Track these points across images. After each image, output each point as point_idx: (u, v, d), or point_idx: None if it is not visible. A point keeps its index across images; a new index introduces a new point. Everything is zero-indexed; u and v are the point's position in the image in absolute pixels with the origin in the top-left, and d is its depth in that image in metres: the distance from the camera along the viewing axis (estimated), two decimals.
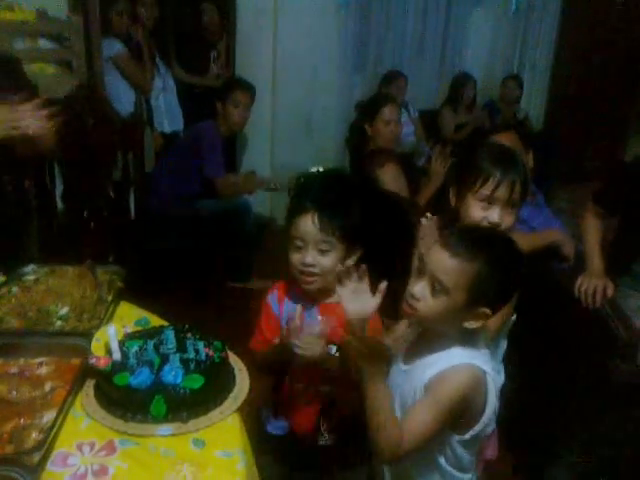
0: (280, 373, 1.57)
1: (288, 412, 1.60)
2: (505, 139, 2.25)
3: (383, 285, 1.23)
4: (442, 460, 1.31)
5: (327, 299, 1.52)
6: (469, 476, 1.36)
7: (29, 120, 1.82)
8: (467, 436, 1.26)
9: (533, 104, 5.33)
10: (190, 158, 3.36)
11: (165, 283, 2.91)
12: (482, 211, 1.56)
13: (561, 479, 2.06)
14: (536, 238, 2.35)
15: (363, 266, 1.25)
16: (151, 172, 3.49)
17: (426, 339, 1.31)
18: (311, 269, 1.46)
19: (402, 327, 1.42)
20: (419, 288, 1.23)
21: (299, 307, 1.44)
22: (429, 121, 4.70)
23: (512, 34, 5.15)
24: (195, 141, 3.41)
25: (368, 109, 3.17)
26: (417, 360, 1.30)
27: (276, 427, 1.63)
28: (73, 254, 2.29)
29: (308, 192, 1.49)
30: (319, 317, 1.48)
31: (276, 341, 1.51)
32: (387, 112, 3.05)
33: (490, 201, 1.55)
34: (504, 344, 1.76)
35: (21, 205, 2.42)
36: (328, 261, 1.45)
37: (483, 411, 1.25)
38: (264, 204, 4.18)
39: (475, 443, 1.31)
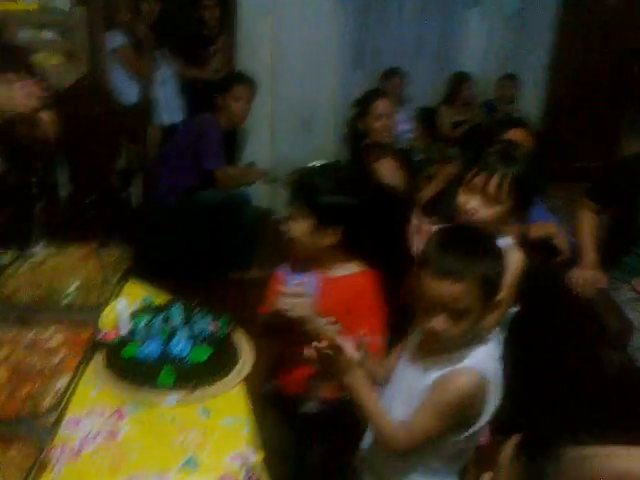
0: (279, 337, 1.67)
1: (278, 373, 1.70)
2: (516, 135, 2.28)
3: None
4: (432, 460, 1.32)
5: (327, 272, 1.67)
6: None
7: (20, 97, 1.81)
8: (461, 437, 1.28)
9: (530, 104, 5.38)
10: (190, 150, 3.37)
11: (165, 274, 2.92)
12: (464, 196, 1.62)
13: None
14: (531, 229, 2.40)
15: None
16: (151, 164, 3.51)
17: (432, 340, 1.30)
18: (286, 233, 1.66)
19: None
20: (440, 321, 1.22)
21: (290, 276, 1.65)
22: (427, 119, 4.74)
23: (509, 35, 5.17)
24: (194, 133, 3.41)
25: (361, 104, 3.20)
26: (425, 358, 1.31)
27: (264, 387, 1.71)
28: (76, 242, 2.32)
29: None
30: (302, 279, 1.63)
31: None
32: (379, 106, 3.02)
33: (471, 187, 1.60)
34: (502, 335, 1.78)
35: (25, 192, 2.45)
36: (296, 226, 1.64)
37: (479, 416, 1.26)
38: (263, 196, 4.22)
39: (468, 444, 1.32)
